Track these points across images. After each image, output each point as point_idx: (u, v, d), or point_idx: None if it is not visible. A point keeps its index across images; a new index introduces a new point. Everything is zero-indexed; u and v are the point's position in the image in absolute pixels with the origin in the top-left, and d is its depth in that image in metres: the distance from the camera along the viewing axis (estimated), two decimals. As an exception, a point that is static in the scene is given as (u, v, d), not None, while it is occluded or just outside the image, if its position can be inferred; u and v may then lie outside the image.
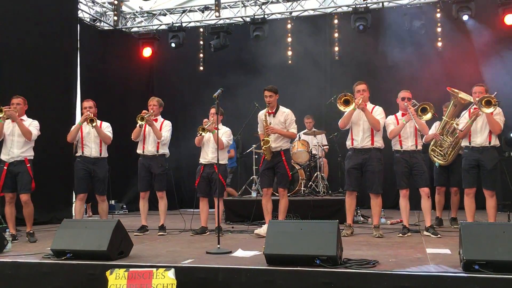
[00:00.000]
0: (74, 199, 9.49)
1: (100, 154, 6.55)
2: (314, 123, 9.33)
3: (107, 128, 6.63)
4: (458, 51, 9.65)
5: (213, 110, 6.48)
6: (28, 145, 6.18)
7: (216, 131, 6.21)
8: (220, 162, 6.22)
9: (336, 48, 10.66)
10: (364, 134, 5.95)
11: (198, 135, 6.34)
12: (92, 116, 6.34)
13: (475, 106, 5.76)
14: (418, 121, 5.84)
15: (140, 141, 6.68)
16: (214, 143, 6.37)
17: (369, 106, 6.04)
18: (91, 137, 6.50)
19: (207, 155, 6.51)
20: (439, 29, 9.90)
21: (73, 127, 6.60)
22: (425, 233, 5.83)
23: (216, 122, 5.80)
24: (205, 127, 6.26)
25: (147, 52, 11.29)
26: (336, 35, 10.63)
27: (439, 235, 5.67)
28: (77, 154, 6.63)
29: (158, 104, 6.72)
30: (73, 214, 9.15)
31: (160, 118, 6.73)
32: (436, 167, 6.88)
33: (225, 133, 6.49)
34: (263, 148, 6.10)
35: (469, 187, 5.82)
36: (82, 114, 6.57)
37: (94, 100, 6.72)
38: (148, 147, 6.62)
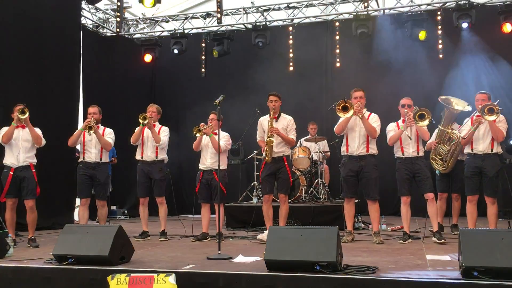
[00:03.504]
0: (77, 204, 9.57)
1: (101, 160, 6.58)
2: (317, 129, 9.38)
3: (109, 134, 6.65)
4: (458, 58, 9.69)
5: (212, 116, 6.56)
6: (33, 150, 6.22)
7: (213, 135, 6.34)
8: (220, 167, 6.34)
9: (337, 55, 10.71)
10: (360, 140, 5.98)
11: (194, 135, 6.40)
12: (92, 123, 6.37)
13: (477, 114, 5.77)
14: (418, 127, 5.87)
15: (138, 146, 6.72)
16: (213, 148, 6.44)
17: (365, 113, 6.05)
18: (92, 142, 6.53)
19: (206, 161, 6.55)
20: (439, 36, 9.95)
21: (75, 132, 6.65)
22: (433, 238, 5.83)
23: (218, 128, 5.81)
24: (201, 129, 6.31)
25: (147, 58, 11.28)
26: (337, 42, 10.70)
27: (443, 240, 5.66)
28: (79, 160, 6.67)
29: (157, 111, 6.78)
30: (76, 219, 9.21)
31: (157, 124, 6.78)
32: (437, 174, 6.90)
33: (223, 138, 6.53)
34: (266, 147, 6.10)
35: (472, 194, 5.84)
36: (86, 119, 6.60)
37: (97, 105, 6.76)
38: (147, 153, 6.65)
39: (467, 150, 5.96)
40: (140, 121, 6.47)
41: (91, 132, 6.39)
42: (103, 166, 6.62)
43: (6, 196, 6.05)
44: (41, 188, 6.24)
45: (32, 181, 6.10)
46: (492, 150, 5.75)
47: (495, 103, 5.60)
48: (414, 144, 5.95)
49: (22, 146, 6.11)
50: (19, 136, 6.12)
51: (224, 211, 7.57)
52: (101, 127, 6.66)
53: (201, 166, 6.63)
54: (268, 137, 6.11)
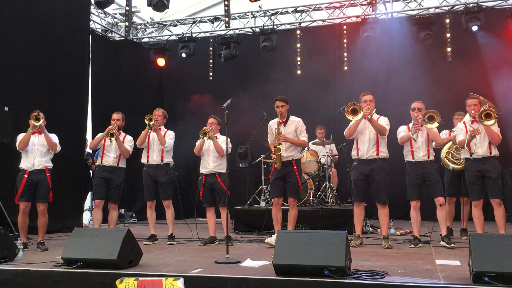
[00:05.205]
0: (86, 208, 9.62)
1: (118, 164, 6.68)
2: (325, 133, 9.35)
3: (129, 142, 6.75)
4: (468, 61, 9.63)
5: (211, 120, 6.61)
6: (49, 155, 6.28)
7: (215, 138, 6.38)
8: (222, 170, 6.41)
9: (345, 59, 10.71)
10: (369, 144, 5.96)
11: (200, 138, 6.42)
12: (114, 130, 6.48)
13: (471, 119, 5.77)
14: (429, 130, 5.82)
15: (144, 150, 6.76)
16: (215, 152, 6.45)
17: (375, 116, 6.03)
18: (112, 147, 6.64)
19: (208, 165, 6.54)
20: (448, 40, 9.91)
21: (97, 136, 6.74)
22: (441, 242, 5.79)
23: (226, 132, 5.78)
24: (207, 131, 6.34)
25: (161, 62, 11.39)
26: (345, 45, 10.69)
27: (453, 245, 5.63)
28: (97, 163, 6.81)
29: (163, 115, 6.85)
30: (85, 223, 9.26)
31: (163, 128, 6.84)
32: (447, 177, 6.83)
33: (224, 141, 6.53)
34: (274, 156, 6.12)
35: (477, 199, 5.79)
36: (110, 124, 6.66)
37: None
38: (152, 156, 6.69)
39: (465, 155, 5.92)
40: (146, 122, 6.52)
41: (112, 139, 6.48)
42: (119, 170, 6.71)
43: (19, 200, 6.08)
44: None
45: (46, 185, 6.14)
46: (490, 153, 5.74)
47: (490, 106, 5.60)
48: (424, 148, 5.92)
49: (38, 150, 6.17)
50: (36, 141, 6.18)
51: (231, 215, 7.58)
52: (122, 134, 6.76)
53: (202, 170, 6.61)
54: (276, 145, 6.10)
